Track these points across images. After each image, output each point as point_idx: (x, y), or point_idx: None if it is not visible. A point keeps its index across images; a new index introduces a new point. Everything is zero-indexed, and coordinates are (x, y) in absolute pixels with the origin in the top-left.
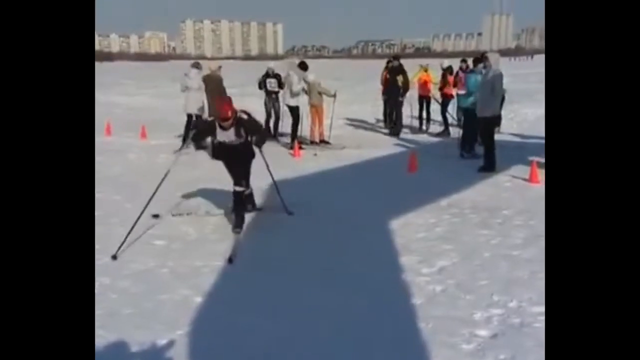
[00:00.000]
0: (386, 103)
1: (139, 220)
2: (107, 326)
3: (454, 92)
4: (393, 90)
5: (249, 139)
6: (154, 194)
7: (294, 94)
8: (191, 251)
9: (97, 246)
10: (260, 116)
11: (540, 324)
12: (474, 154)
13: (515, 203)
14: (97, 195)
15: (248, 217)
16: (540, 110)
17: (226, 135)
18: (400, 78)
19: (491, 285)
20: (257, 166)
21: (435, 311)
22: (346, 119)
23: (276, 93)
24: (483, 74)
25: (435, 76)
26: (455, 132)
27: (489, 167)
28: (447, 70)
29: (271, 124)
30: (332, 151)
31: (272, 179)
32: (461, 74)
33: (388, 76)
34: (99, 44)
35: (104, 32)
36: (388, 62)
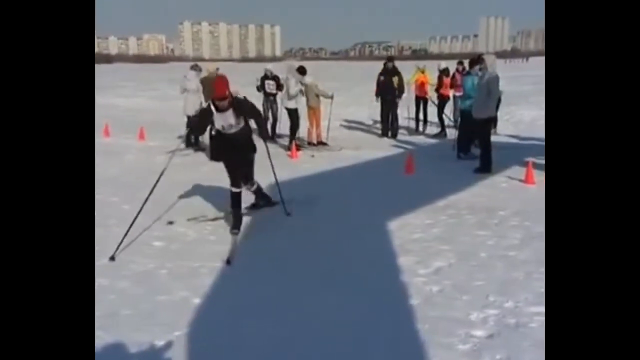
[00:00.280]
0: (383, 105)
1: (137, 222)
2: (106, 327)
3: (450, 93)
4: (389, 92)
5: (249, 124)
6: (150, 194)
7: (291, 97)
8: (190, 252)
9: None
10: None
11: (536, 324)
12: (471, 155)
13: (511, 204)
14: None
15: (246, 218)
16: (536, 112)
17: (224, 119)
18: (395, 79)
19: (487, 286)
20: (255, 166)
21: (431, 312)
22: (343, 121)
23: (274, 95)
24: (479, 76)
25: (432, 77)
26: (452, 134)
27: (485, 168)
28: (444, 72)
29: (269, 126)
30: (330, 153)
31: (275, 177)
32: (457, 76)
33: (382, 78)
34: (98, 46)
35: (102, 34)
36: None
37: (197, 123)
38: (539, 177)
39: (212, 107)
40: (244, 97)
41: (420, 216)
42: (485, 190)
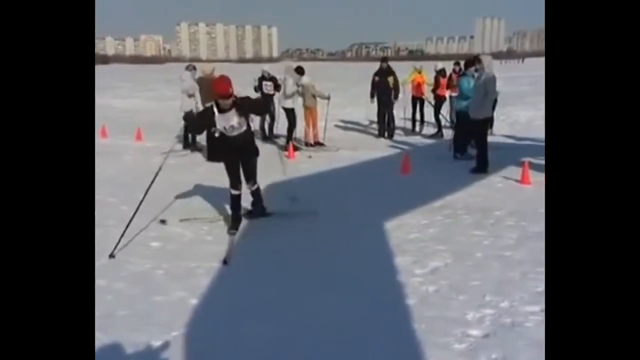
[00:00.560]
0: (379, 106)
1: (134, 223)
2: (103, 328)
3: (446, 94)
4: (384, 92)
5: (251, 125)
6: (145, 195)
7: (288, 96)
8: (187, 253)
9: None
10: (256, 118)
11: (531, 323)
12: (467, 156)
13: (507, 204)
14: None
15: (243, 218)
16: (532, 113)
17: (226, 119)
18: (390, 79)
19: (483, 286)
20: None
21: (428, 311)
22: (340, 121)
23: (272, 96)
24: (476, 77)
25: (429, 78)
26: (448, 134)
27: (482, 168)
28: (440, 73)
29: (266, 126)
30: (327, 153)
31: (283, 164)
32: (454, 77)
33: (377, 78)
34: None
35: (99, 35)
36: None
37: (197, 122)
38: (535, 177)
39: (215, 108)
40: (248, 97)
41: (416, 216)
42: (482, 190)
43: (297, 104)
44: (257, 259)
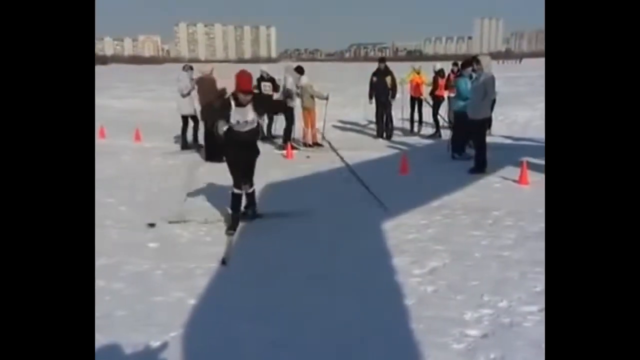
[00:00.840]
0: (377, 106)
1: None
2: (101, 328)
3: (445, 94)
4: (382, 93)
5: (259, 125)
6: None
7: (286, 94)
8: (185, 253)
9: None
10: None
11: (529, 323)
12: (465, 156)
13: (505, 204)
14: None
15: (240, 218)
16: (530, 113)
17: (242, 114)
18: (388, 80)
19: (482, 286)
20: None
21: (426, 312)
22: (339, 122)
23: (271, 96)
24: (475, 77)
25: (428, 78)
26: (447, 134)
27: (480, 168)
28: (439, 74)
29: (265, 127)
30: (325, 153)
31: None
32: (452, 77)
33: (375, 79)
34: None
35: (98, 35)
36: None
37: (220, 114)
38: (533, 177)
39: (232, 101)
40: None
41: (415, 216)
42: (480, 190)
43: (297, 103)
44: (256, 260)
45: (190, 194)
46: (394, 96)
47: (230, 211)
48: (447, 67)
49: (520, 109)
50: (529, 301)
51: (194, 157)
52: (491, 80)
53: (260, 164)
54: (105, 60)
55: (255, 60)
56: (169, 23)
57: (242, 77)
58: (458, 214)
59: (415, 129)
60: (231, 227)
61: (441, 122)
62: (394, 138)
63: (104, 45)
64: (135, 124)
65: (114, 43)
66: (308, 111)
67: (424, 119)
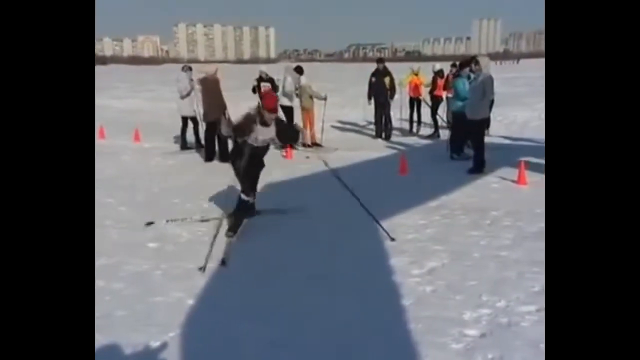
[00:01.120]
0: (376, 107)
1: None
2: (101, 328)
3: (443, 94)
4: (381, 93)
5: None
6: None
7: (286, 94)
8: (184, 253)
9: None
10: None
11: (527, 323)
12: (464, 156)
13: (503, 204)
14: None
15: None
16: (528, 113)
17: (264, 133)
18: (387, 80)
19: (480, 286)
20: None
21: (425, 311)
22: (338, 122)
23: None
24: (473, 78)
25: (426, 78)
26: (445, 135)
27: (478, 168)
28: (438, 74)
29: None
30: (324, 154)
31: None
32: (451, 78)
33: (374, 79)
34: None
35: (97, 35)
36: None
37: (243, 126)
38: (531, 177)
39: (258, 119)
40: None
41: (413, 217)
42: (478, 190)
43: (295, 103)
44: (255, 260)
45: (189, 195)
46: (392, 96)
47: (233, 213)
48: (446, 67)
49: (518, 110)
50: (527, 301)
51: (193, 157)
52: (489, 80)
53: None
54: (105, 61)
55: (255, 60)
56: (168, 23)
57: (268, 99)
58: (457, 214)
59: (414, 129)
60: (231, 229)
61: (440, 122)
62: (393, 138)
63: (104, 45)
64: (135, 124)
65: (114, 43)
66: (307, 111)
67: (423, 119)
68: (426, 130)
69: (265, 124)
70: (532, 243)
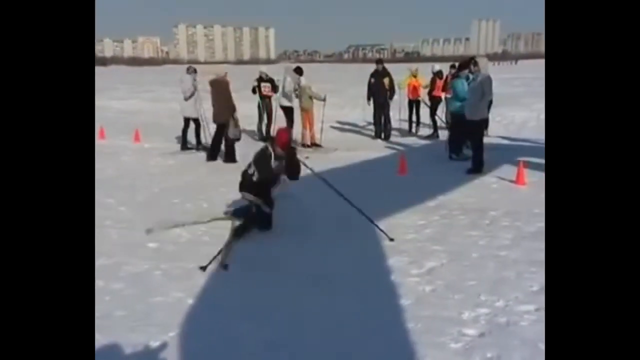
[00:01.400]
0: (375, 107)
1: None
2: (101, 328)
3: (442, 95)
4: (380, 94)
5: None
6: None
7: (286, 94)
8: (184, 254)
9: None
10: (253, 119)
11: (526, 322)
12: (463, 157)
13: (502, 204)
14: None
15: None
16: (526, 114)
17: (277, 166)
18: (386, 81)
19: (479, 285)
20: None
21: (424, 311)
22: (337, 123)
23: (269, 97)
24: (472, 79)
25: (425, 80)
26: (444, 135)
27: (477, 169)
28: (437, 75)
29: (263, 128)
30: (324, 154)
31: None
32: (450, 78)
33: (373, 80)
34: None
35: (97, 36)
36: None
37: (267, 167)
38: (530, 177)
39: (272, 153)
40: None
41: (412, 217)
42: (477, 190)
43: (295, 103)
44: (254, 260)
45: (188, 195)
46: (391, 97)
47: (245, 220)
48: (445, 68)
49: (516, 110)
50: (525, 300)
51: (193, 157)
52: (488, 80)
53: None
54: (105, 62)
55: (255, 61)
56: (168, 24)
57: (282, 136)
58: (456, 214)
59: (413, 129)
60: (238, 234)
61: (439, 123)
62: (392, 139)
63: (104, 46)
64: (135, 125)
65: (114, 44)
66: (306, 112)
67: (422, 119)
68: (425, 131)
69: (278, 158)
70: (530, 243)
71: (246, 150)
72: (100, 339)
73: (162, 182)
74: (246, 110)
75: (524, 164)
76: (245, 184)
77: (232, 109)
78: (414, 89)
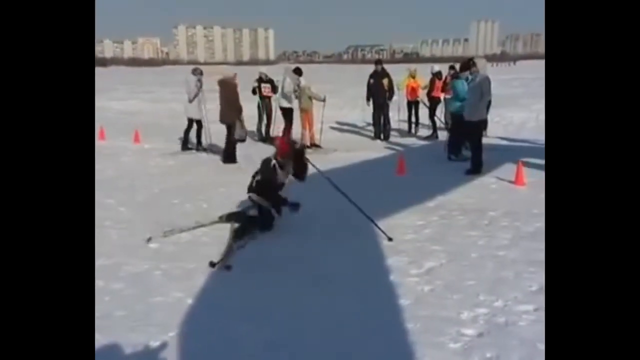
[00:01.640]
0: (375, 108)
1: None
2: (101, 328)
3: (441, 95)
4: (380, 94)
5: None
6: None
7: (285, 95)
8: (184, 254)
9: None
10: (253, 120)
11: (524, 322)
12: (462, 157)
13: (501, 205)
14: None
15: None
16: (525, 114)
17: (282, 175)
18: (385, 81)
19: (478, 285)
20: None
21: (423, 311)
22: (336, 123)
23: (269, 98)
24: (471, 79)
25: (424, 80)
26: (443, 136)
27: (476, 169)
28: (437, 76)
29: (263, 128)
30: (323, 154)
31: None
32: (449, 79)
33: (372, 81)
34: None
35: (97, 37)
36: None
37: (270, 181)
38: (529, 178)
39: (277, 164)
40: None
41: (412, 217)
42: (476, 191)
43: (295, 104)
44: (254, 260)
45: (188, 196)
46: (391, 98)
47: (247, 221)
48: (444, 69)
49: (515, 111)
50: (524, 300)
51: (193, 157)
52: (487, 81)
53: (258, 165)
54: (105, 63)
55: (254, 62)
56: (168, 25)
57: (283, 146)
58: (455, 214)
59: (413, 130)
60: (238, 236)
61: (438, 124)
62: (391, 139)
63: (104, 47)
64: (135, 125)
65: (114, 45)
66: (306, 112)
67: (421, 120)
68: (424, 131)
69: (283, 167)
70: (529, 243)
71: (246, 151)
72: (100, 339)
73: (162, 183)
74: (246, 111)
75: (523, 165)
76: (255, 188)
77: (239, 110)
78: (413, 90)
